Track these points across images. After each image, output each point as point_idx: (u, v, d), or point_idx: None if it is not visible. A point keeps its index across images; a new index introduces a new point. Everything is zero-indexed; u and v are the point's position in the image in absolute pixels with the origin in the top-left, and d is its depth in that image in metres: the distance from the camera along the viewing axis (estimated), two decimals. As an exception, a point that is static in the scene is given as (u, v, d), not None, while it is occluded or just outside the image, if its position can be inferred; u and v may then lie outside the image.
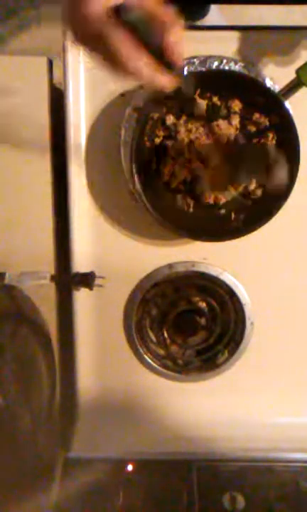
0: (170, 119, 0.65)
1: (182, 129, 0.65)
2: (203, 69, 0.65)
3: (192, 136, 0.65)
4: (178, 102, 0.53)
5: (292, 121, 0.62)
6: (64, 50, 0.66)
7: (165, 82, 0.42)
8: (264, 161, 0.66)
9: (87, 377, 0.72)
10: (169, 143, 0.66)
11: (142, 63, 0.40)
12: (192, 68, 0.65)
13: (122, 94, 0.68)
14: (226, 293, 0.72)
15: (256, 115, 0.65)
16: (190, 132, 0.65)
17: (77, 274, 0.70)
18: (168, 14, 0.40)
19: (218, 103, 0.65)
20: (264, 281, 0.72)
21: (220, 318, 0.72)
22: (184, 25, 0.41)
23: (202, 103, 0.65)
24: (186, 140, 0.65)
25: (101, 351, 0.73)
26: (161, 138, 0.66)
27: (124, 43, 0.38)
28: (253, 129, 0.65)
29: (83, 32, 0.39)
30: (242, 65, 0.65)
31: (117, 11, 0.37)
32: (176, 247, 0.71)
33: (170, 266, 0.71)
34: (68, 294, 0.71)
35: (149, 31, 0.39)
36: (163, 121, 0.66)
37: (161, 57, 0.40)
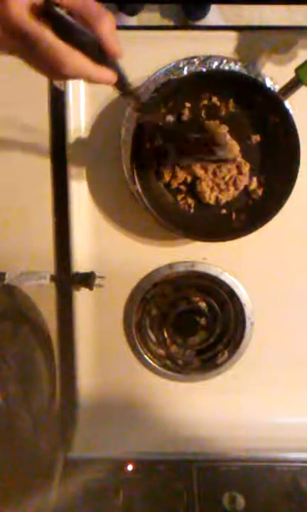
0: (169, 120, 0.65)
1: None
2: (203, 69, 0.65)
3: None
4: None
5: (292, 120, 0.62)
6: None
7: (106, 75, 0.41)
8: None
9: (87, 377, 0.72)
10: (169, 144, 0.66)
11: (81, 61, 0.38)
12: (192, 68, 0.65)
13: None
14: (226, 293, 0.72)
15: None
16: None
17: (77, 274, 0.70)
18: (95, 6, 0.38)
19: (217, 103, 0.65)
20: (264, 281, 0.72)
21: (220, 318, 0.72)
22: (115, 20, 0.39)
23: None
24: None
25: (101, 351, 0.73)
26: (161, 138, 0.66)
27: (58, 45, 0.36)
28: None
29: (7, 35, 0.36)
30: (242, 65, 0.65)
31: (42, 8, 0.35)
32: (176, 247, 0.71)
33: (170, 266, 0.71)
34: (68, 294, 0.71)
35: (78, 26, 0.37)
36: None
37: (96, 51, 0.39)
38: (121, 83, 0.44)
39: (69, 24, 0.37)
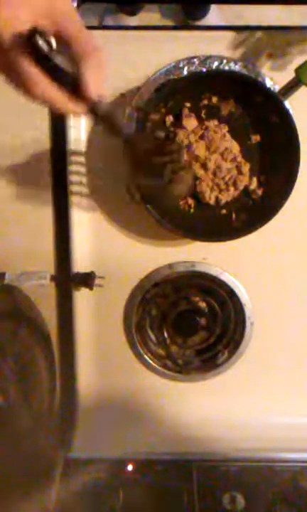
0: (169, 120, 0.66)
1: (181, 132, 0.65)
2: (203, 69, 0.65)
3: (192, 139, 0.65)
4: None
5: (292, 120, 0.62)
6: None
7: (76, 109, 0.40)
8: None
9: (87, 377, 0.72)
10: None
11: (50, 92, 0.38)
12: (192, 68, 0.65)
13: (122, 94, 0.68)
14: (226, 293, 0.72)
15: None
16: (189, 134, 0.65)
17: (77, 274, 0.70)
18: (87, 42, 0.38)
19: (217, 103, 0.65)
20: (264, 281, 0.72)
21: (220, 318, 0.72)
22: (101, 54, 0.38)
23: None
24: (185, 142, 0.65)
25: (101, 351, 0.73)
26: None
27: (31, 73, 0.37)
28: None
29: None
30: (242, 65, 0.66)
31: (28, 39, 0.36)
32: (176, 247, 0.71)
33: (170, 266, 0.71)
34: (68, 294, 0.71)
35: (60, 63, 0.37)
36: (163, 122, 0.66)
37: (74, 87, 0.39)
38: (106, 121, 0.43)
39: (48, 58, 0.37)
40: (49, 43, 0.36)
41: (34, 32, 0.35)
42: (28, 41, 0.36)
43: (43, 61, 0.37)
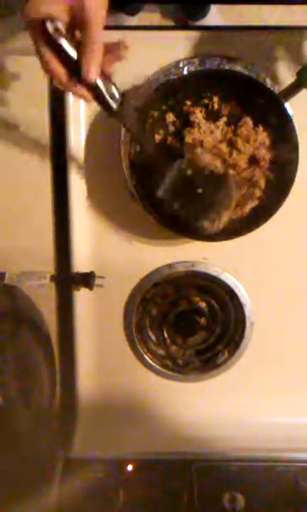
0: (170, 118, 0.66)
1: (187, 133, 0.65)
2: (203, 69, 0.65)
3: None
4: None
5: (292, 122, 0.62)
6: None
7: (81, 93, 0.48)
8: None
9: (87, 377, 0.72)
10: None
11: (54, 68, 0.46)
12: (192, 68, 0.65)
13: (122, 94, 0.68)
14: (226, 293, 0.72)
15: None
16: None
17: (77, 274, 0.70)
18: (95, 33, 0.44)
19: (218, 103, 0.65)
20: (264, 281, 0.72)
21: (220, 318, 0.72)
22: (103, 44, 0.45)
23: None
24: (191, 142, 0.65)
25: (101, 351, 0.73)
26: (161, 136, 0.66)
27: (41, 50, 0.45)
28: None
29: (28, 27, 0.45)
30: (242, 65, 0.65)
31: (41, 24, 0.43)
32: (176, 247, 0.71)
33: (170, 266, 0.71)
34: (68, 294, 0.71)
35: (66, 47, 0.45)
36: (163, 120, 0.66)
37: (74, 69, 0.46)
38: (103, 105, 0.50)
39: (56, 42, 0.44)
40: (58, 30, 0.44)
41: (46, 18, 0.43)
42: (41, 26, 0.43)
43: (51, 43, 0.44)
